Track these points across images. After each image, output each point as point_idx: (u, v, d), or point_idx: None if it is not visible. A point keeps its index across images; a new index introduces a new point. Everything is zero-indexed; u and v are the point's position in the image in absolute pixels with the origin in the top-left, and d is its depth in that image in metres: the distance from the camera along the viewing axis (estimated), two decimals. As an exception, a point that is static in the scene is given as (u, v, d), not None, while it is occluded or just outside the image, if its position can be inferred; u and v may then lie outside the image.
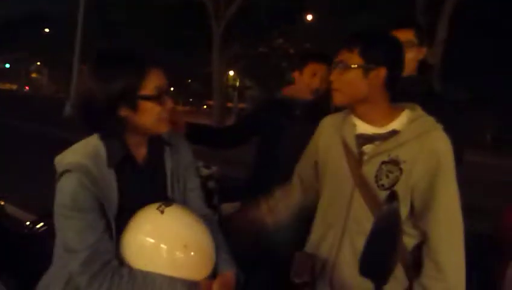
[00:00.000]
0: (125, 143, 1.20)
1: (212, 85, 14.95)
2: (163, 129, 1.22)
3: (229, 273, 1.22)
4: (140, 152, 1.25)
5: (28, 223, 2.86)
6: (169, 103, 1.18)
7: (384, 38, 1.35)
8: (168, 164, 1.30)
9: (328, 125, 1.50)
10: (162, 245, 1.12)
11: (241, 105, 29.67)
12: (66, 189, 1.11)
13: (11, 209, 2.83)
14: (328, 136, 1.46)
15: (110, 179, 1.15)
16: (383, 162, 1.28)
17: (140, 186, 1.22)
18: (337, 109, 1.47)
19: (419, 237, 1.31)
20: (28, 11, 41.75)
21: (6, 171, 5.09)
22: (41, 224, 2.85)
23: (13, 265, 2.53)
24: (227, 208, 2.50)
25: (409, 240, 1.30)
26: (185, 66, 20.29)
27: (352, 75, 1.30)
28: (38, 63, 47.55)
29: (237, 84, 30.71)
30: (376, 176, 1.28)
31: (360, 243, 1.06)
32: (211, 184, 3.08)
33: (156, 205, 1.17)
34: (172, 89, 1.34)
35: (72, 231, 1.11)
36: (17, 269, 2.55)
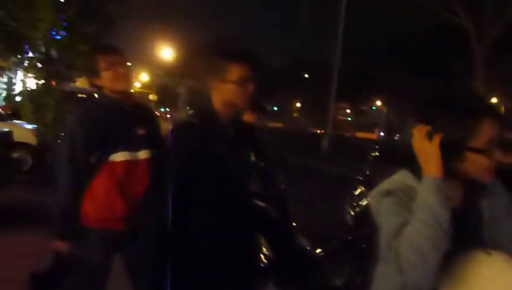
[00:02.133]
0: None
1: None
2: (487, 180, 1.16)
3: None
4: (456, 195, 1.21)
5: (307, 248, 3.23)
6: (497, 155, 1.12)
7: None
8: (485, 210, 1.22)
9: None
10: None
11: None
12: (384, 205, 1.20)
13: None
14: None
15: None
16: None
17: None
18: None
19: None
20: (293, 59, 48.72)
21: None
22: (320, 250, 3.17)
23: (300, 280, 2.88)
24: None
25: None
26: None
27: None
28: (298, 104, 54.32)
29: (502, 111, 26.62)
30: None
31: None
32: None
33: (479, 251, 1.10)
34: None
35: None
36: (303, 285, 2.89)
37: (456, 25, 13.05)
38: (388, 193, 1.21)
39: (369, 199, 1.31)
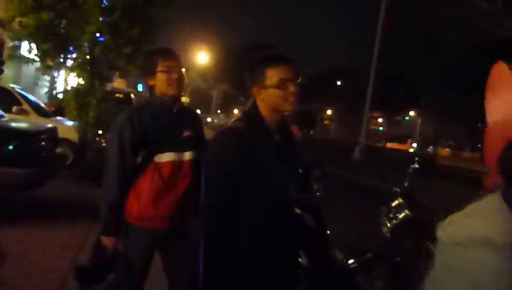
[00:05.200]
0: None
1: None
2: None
3: None
4: None
5: (340, 258, 3.21)
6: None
7: None
8: None
9: None
10: None
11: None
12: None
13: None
14: None
15: None
16: None
17: None
18: None
19: None
20: (328, 67, 48.55)
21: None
22: (352, 261, 3.15)
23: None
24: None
25: None
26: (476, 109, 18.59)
27: None
28: (329, 112, 53.88)
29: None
30: None
31: None
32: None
33: None
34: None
35: None
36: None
37: (504, 39, 12.59)
38: (491, 246, 0.90)
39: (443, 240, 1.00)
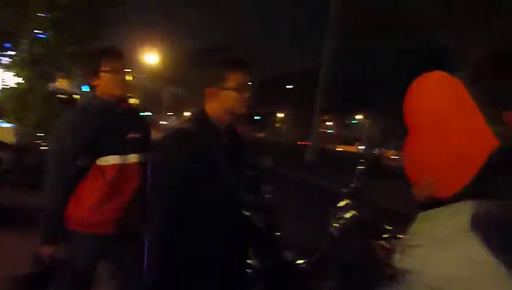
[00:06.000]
0: None
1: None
2: None
3: None
4: None
5: (290, 259, 3.23)
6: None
7: None
8: None
9: None
10: None
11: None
12: None
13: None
14: None
15: None
16: None
17: None
18: None
19: None
20: (280, 70, 49.34)
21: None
22: (302, 261, 3.18)
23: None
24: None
25: None
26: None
27: None
28: (281, 115, 54.71)
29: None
30: None
31: None
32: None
33: None
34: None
35: None
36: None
37: (443, 45, 13.40)
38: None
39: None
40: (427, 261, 0.99)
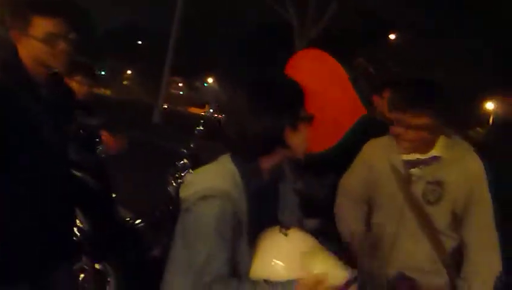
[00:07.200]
0: (260, 169, 1.22)
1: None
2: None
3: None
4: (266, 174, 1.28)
5: (127, 219, 3.21)
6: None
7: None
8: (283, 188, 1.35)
9: (376, 148, 1.75)
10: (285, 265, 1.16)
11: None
12: (208, 215, 1.13)
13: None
14: (377, 158, 1.72)
15: (243, 199, 1.19)
16: (428, 182, 1.61)
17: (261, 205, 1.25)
18: None
19: (459, 239, 1.63)
20: (124, 24, 45.87)
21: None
22: (140, 221, 3.19)
23: (118, 252, 2.86)
24: (310, 223, 2.62)
25: (450, 242, 1.63)
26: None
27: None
28: (129, 72, 51.66)
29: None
30: (423, 194, 1.61)
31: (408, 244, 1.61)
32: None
33: (277, 228, 1.20)
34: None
35: (204, 254, 1.13)
36: (120, 257, 2.87)
37: (285, 22, 14.34)
38: (209, 199, 1.15)
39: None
40: (197, 179, 1.24)
